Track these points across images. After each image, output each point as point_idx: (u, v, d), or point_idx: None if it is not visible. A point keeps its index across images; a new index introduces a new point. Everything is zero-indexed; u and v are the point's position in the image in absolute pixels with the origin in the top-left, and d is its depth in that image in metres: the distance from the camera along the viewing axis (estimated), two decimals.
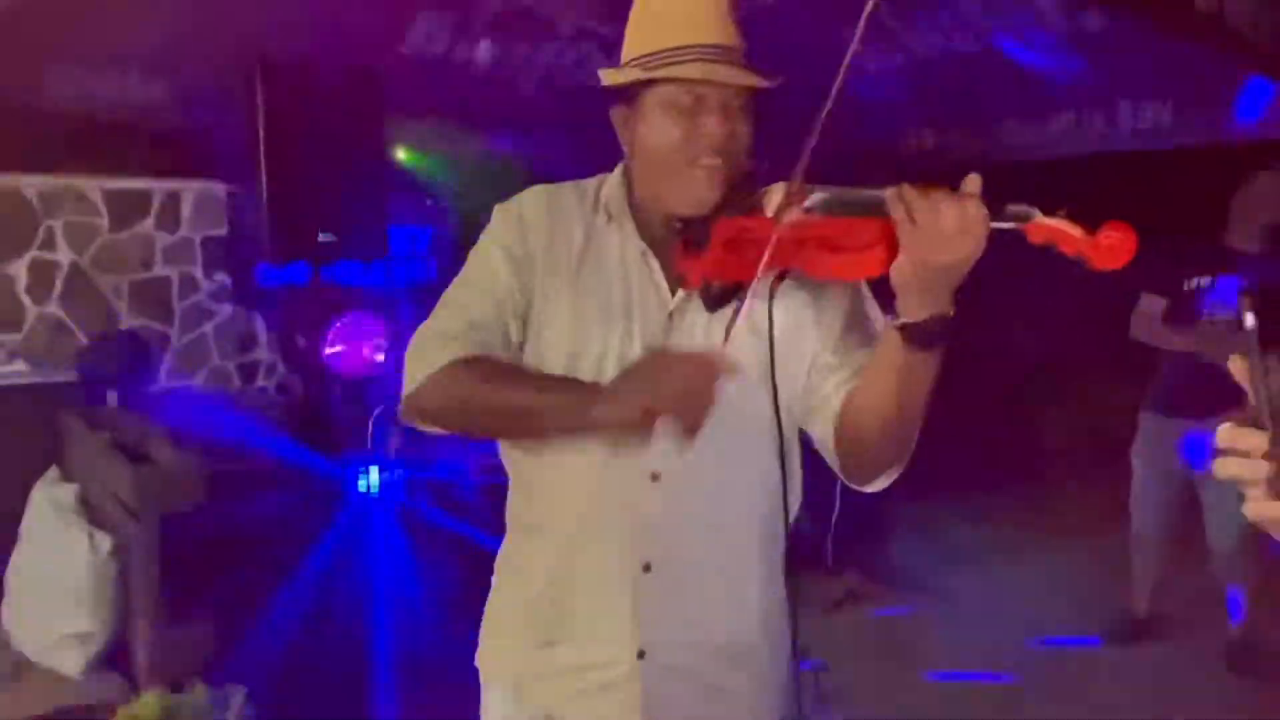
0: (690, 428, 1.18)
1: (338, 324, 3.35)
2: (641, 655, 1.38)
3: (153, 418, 3.80)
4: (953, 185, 1.15)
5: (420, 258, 4.95)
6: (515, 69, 4.81)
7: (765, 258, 1.20)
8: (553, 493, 1.44)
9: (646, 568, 1.38)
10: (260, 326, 4.63)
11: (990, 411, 5.36)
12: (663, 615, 1.39)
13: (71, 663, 3.09)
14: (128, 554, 3.11)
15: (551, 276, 1.40)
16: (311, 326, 3.39)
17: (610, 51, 4.42)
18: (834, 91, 1.18)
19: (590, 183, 1.48)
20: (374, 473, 3.44)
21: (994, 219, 1.12)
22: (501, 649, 1.50)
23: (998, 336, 5.13)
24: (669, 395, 1.18)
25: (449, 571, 3.18)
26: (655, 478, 1.36)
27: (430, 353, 1.37)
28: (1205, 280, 3.49)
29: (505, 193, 1.49)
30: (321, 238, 3.47)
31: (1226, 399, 0.72)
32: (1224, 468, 0.69)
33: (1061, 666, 3.78)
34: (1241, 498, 0.70)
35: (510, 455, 1.49)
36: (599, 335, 1.37)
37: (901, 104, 5.14)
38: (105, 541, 3.15)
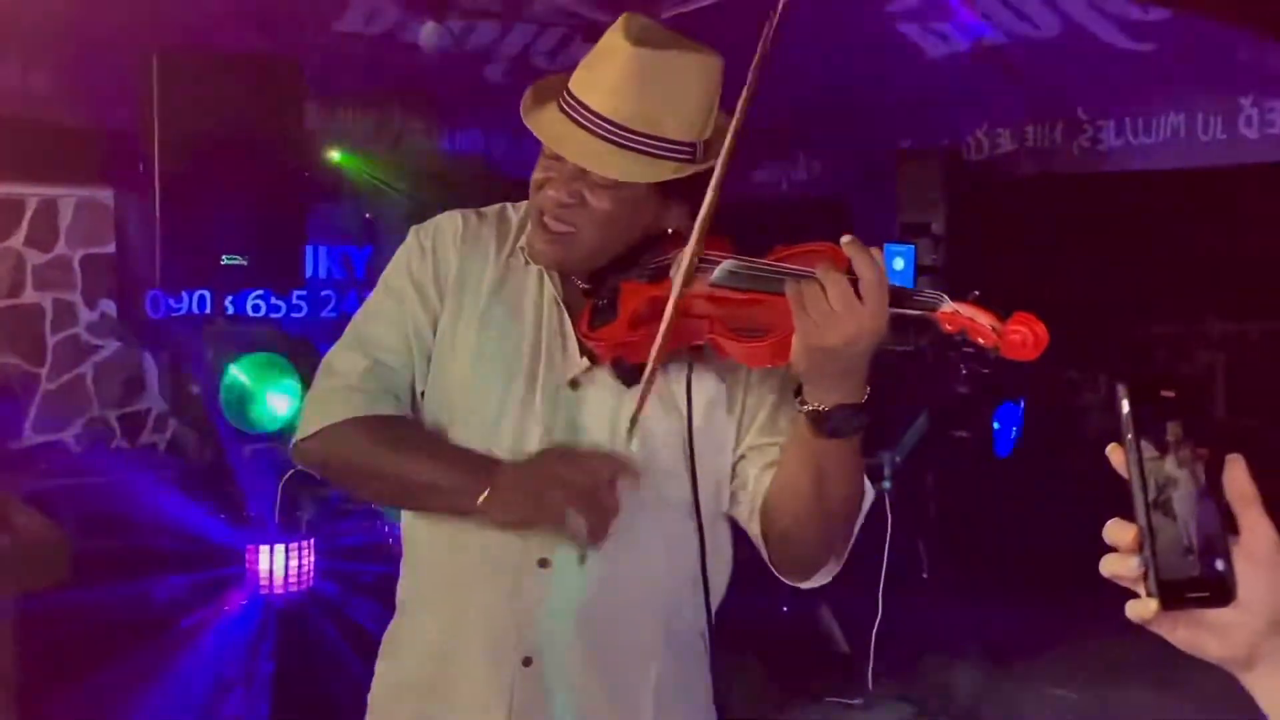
0: (590, 535, 1.42)
1: (239, 366, 3.58)
2: None
3: (15, 479, 4.05)
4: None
5: (356, 285, 5.23)
6: (480, 52, 5.11)
7: (659, 340, 1.42)
8: (436, 569, 1.66)
9: (527, 662, 1.57)
10: (150, 368, 4.88)
11: (1090, 499, 5.47)
12: (541, 717, 1.57)
13: None
14: None
15: (455, 319, 1.62)
16: (210, 369, 3.63)
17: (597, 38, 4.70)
18: (731, 134, 1.40)
19: (518, 211, 1.70)
20: (280, 551, 3.67)
21: (897, 305, 1.33)
22: None
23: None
24: (560, 505, 1.43)
25: (365, 667, 3.37)
26: (544, 564, 1.56)
27: (330, 402, 1.62)
28: None
29: (465, 204, 1.73)
30: (226, 261, 3.70)
31: None
32: (1105, 564, 0.85)
33: None
34: None
35: (408, 522, 1.71)
36: (497, 393, 1.59)
37: (964, 100, 5.38)
38: None
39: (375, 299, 1.70)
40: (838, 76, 4.76)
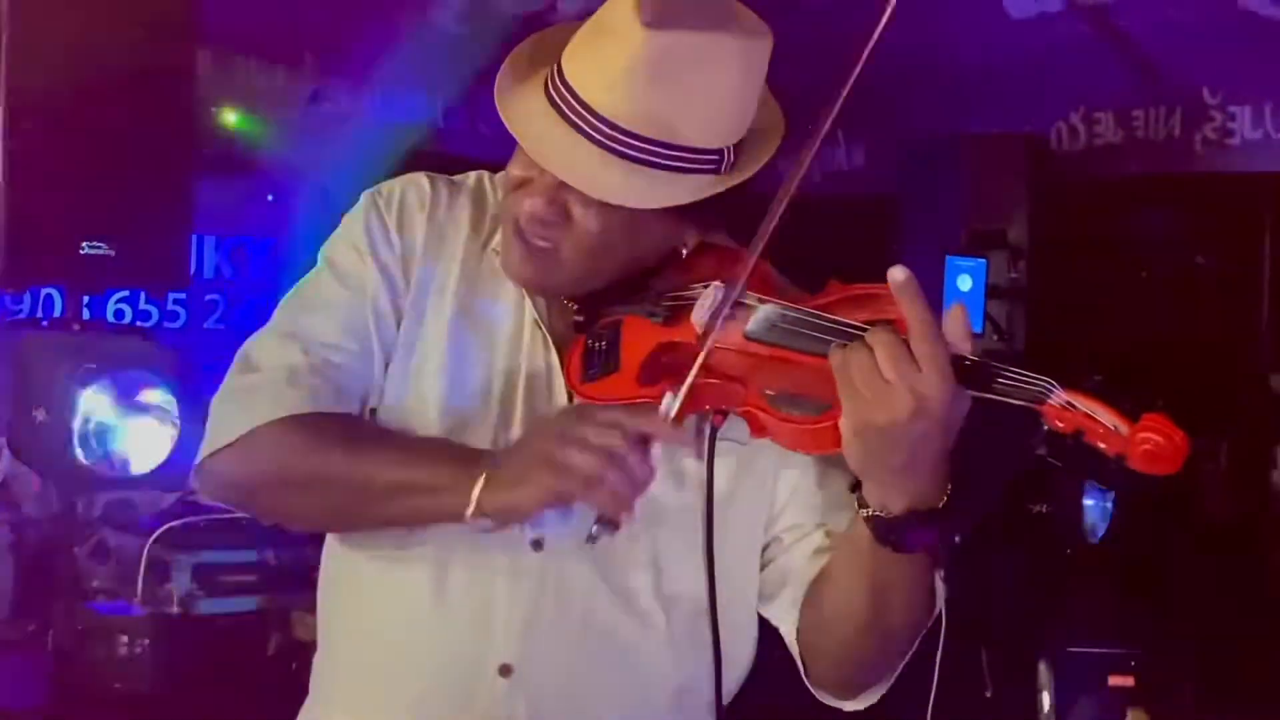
0: (614, 513, 1.44)
1: (99, 389, 3.63)
2: None
3: None
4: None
5: (251, 286, 5.28)
6: None
7: (677, 405, 1.46)
8: (361, 664, 1.72)
9: None
10: None
11: (1204, 597, 5.53)
12: None
13: None
14: None
15: (417, 324, 1.70)
16: (59, 392, 3.67)
17: None
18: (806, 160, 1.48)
19: (497, 189, 1.76)
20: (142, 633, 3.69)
21: (986, 389, 1.35)
22: None
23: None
24: (588, 467, 1.42)
25: None
26: (506, 671, 1.64)
27: (255, 401, 1.62)
28: None
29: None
30: (87, 249, 3.76)
31: None
32: None
33: None
34: None
35: (327, 599, 1.80)
36: (460, 429, 1.66)
37: (1054, 74, 5.47)
38: None
39: (317, 283, 1.73)
40: (891, 40, 4.86)
